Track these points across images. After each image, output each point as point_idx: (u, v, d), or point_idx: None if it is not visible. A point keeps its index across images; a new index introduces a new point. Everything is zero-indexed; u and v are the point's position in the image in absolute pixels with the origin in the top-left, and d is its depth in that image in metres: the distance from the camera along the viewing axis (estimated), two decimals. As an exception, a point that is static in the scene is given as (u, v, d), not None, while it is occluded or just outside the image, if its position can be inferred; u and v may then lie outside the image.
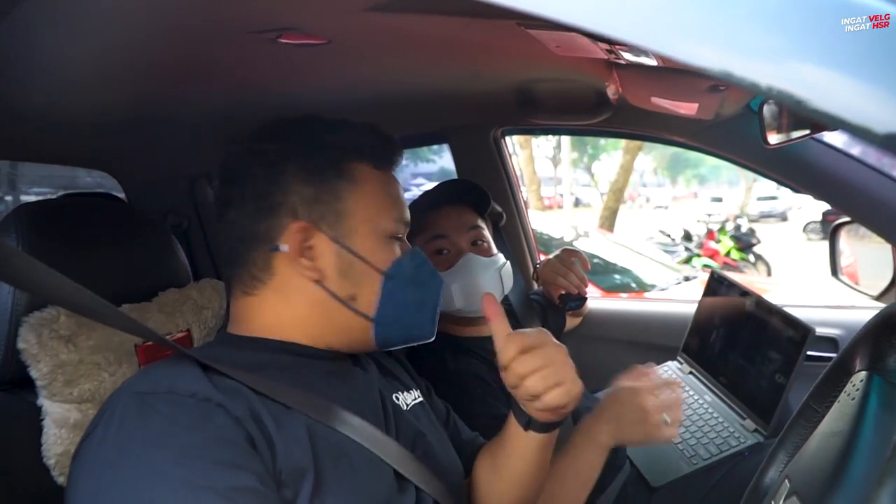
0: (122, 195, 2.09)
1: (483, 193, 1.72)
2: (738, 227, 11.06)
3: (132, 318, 0.93)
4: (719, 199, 28.01)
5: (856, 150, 1.47)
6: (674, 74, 1.21)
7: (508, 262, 1.66)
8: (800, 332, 1.60)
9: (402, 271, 1.03)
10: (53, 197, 1.25)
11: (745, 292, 1.85)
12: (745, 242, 10.67)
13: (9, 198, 7.17)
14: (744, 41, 0.49)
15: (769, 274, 10.51)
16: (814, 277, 9.87)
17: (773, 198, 25.99)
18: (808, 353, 1.57)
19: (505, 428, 1.14)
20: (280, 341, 1.00)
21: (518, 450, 1.11)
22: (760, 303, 1.78)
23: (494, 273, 1.59)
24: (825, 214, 16.72)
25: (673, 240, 11.12)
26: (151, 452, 0.74)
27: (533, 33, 1.02)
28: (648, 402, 1.35)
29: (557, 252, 1.94)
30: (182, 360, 0.88)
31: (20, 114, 1.30)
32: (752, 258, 10.61)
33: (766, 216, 24.87)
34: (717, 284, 1.98)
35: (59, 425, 0.99)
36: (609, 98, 1.59)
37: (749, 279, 7.87)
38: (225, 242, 1.03)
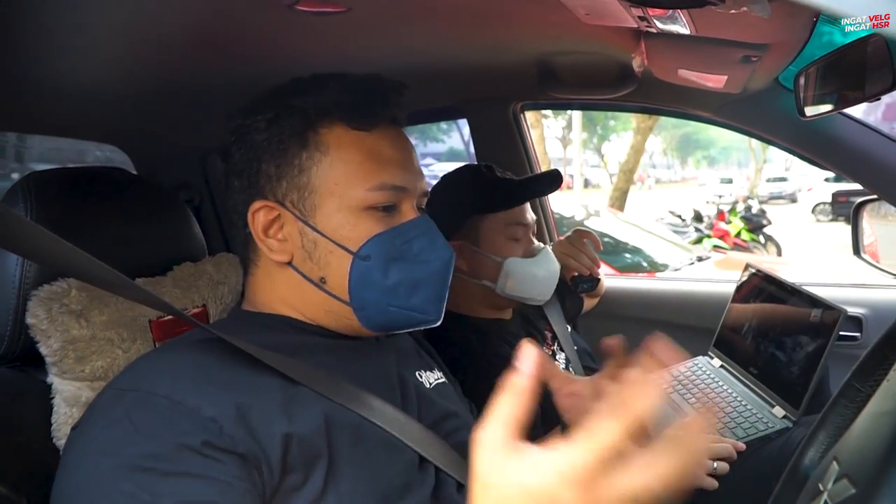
0: (133, 171, 2.06)
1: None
2: (748, 209, 11.06)
3: (146, 289, 0.91)
4: (729, 181, 27.98)
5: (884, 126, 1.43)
6: (704, 45, 1.17)
7: None
8: (830, 315, 1.57)
9: (381, 250, 0.93)
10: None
11: (777, 282, 1.82)
12: (755, 223, 10.68)
13: (15, 175, 7.17)
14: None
15: (779, 254, 10.51)
16: (823, 258, 9.87)
17: (783, 179, 26.03)
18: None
19: None
20: (294, 320, 0.97)
21: None
22: (791, 289, 1.75)
23: (557, 267, 1.62)
24: (835, 196, 16.76)
25: (683, 220, 11.09)
26: (109, 459, 0.73)
27: (562, -1, 0.98)
28: (703, 444, 1.39)
29: (569, 233, 1.91)
30: (177, 350, 0.87)
31: (27, 83, 1.27)
32: (762, 239, 10.62)
33: (775, 197, 24.81)
34: (750, 277, 1.95)
35: (70, 404, 0.96)
36: (633, 71, 1.55)
37: (759, 259, 7.87)
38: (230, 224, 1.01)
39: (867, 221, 2.08)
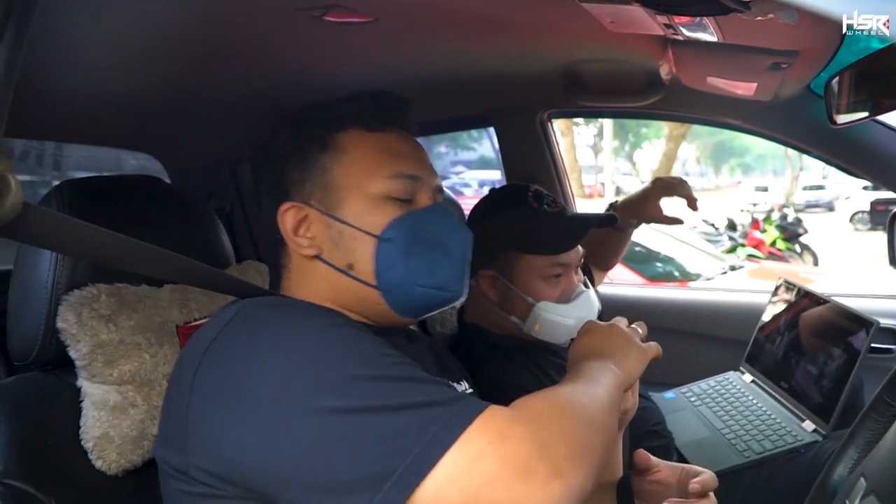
0: (167, 179, 2.09)
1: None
2: (783, 217, 10.86)
3: (227, 273, 1.00)
4: (764, 189, 27.51)
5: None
6: (733, 52, 1.16)
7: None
8: (863, 326, 1.55)
9: (402, 232, 0.99)
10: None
11: (810, 294, 1.81)
12: (791, 232, 10.47)
13: (55, 183, 7.28)
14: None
15: (816, 264, 10.31)
16: (862, 268, 9.67)
17: (820, 187, 25.47)
18: (871, 345, 1.52)
19: None
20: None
21: None
22: (823, 302, 1.73)
23: (595, 306, 1.48)
24: (874, 204, 16.40)
25: (717, 229, 10.92)
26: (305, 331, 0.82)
27: (586, 7, 0.98)
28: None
29: None
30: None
31: (65, 94, 1.30)
32: (798, 248, 10.42)
33: (811, 206, 24.30)
34: (782, 291, 1.93)
35: (98, 407, 0.98)
36: (661, 79, 1.53)
37: (795, 269, 7.74)
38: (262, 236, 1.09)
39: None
